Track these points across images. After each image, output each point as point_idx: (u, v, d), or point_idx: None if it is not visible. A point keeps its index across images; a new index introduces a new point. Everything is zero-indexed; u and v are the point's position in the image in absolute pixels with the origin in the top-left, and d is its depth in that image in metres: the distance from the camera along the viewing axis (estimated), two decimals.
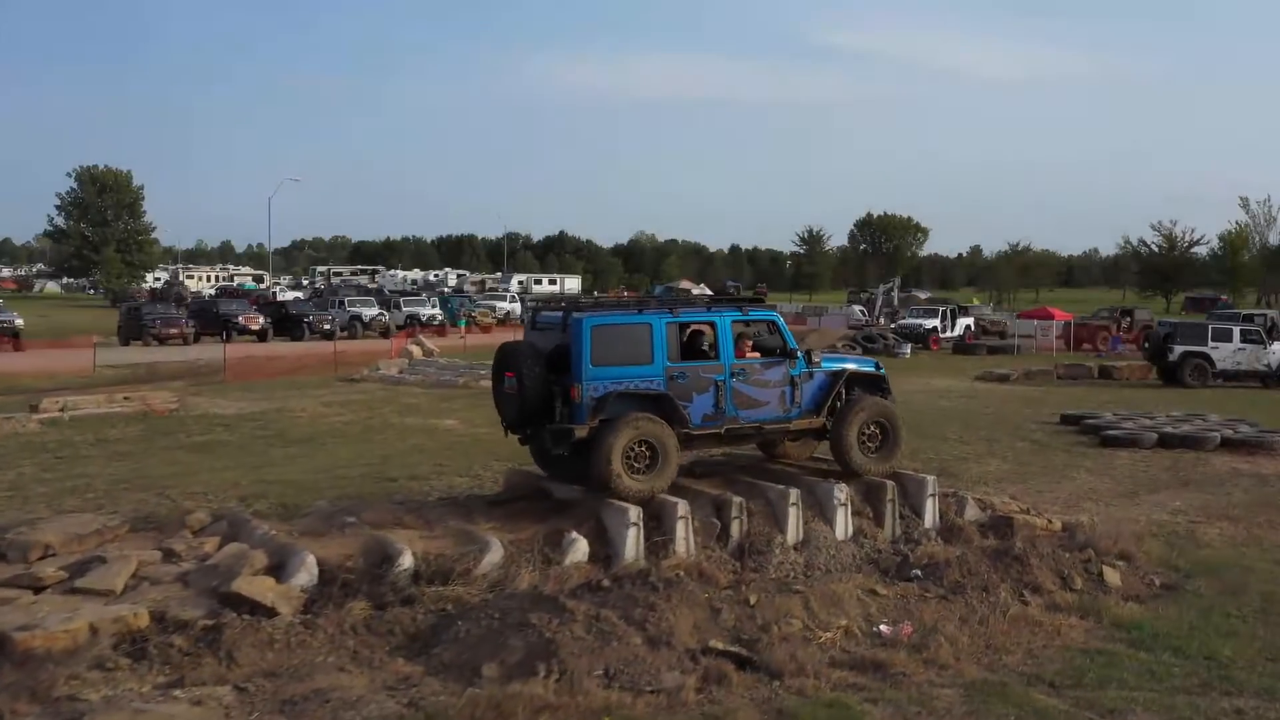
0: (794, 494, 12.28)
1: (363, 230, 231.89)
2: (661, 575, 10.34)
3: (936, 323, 49.57)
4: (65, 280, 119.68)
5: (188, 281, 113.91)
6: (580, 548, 11.37)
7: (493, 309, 65.62)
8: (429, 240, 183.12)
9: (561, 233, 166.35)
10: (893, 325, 50.44)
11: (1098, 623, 10.52)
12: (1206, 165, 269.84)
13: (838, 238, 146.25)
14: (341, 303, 55.52)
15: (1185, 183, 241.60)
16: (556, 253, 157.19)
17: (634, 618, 9.56)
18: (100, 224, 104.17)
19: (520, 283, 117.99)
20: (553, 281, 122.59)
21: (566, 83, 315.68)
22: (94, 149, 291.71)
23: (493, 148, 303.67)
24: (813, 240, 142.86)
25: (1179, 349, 32.85)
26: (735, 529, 12.04)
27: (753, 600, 10.20)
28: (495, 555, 10.98)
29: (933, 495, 13.12)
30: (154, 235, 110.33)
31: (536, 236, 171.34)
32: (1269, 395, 31.44)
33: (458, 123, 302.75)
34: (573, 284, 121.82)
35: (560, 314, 12.52)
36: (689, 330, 12.83)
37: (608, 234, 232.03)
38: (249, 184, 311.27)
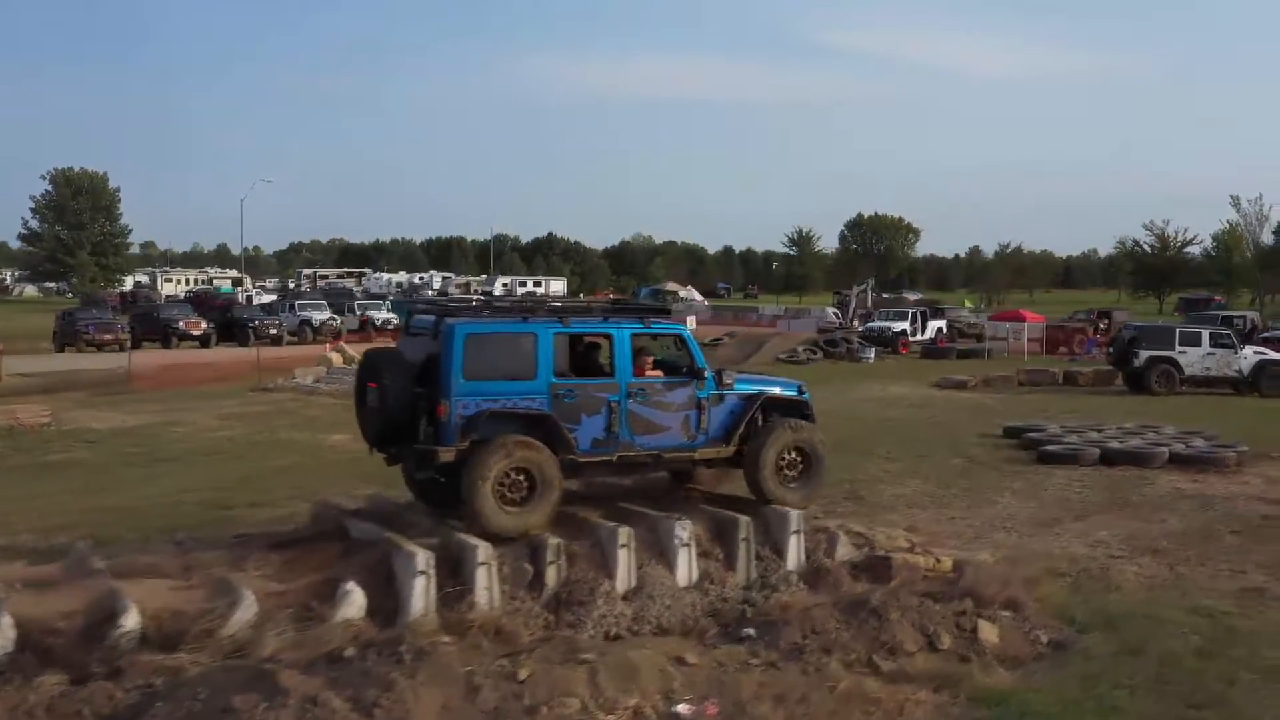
0: (624, 533, 10.50)
1: (361, 232, 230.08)
2: (414, 642, 8.53)
3: (906, 325, 47.59)
4: (46, 284, 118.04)
5: (165, 285, 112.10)
6: (354, 601, 9.55)
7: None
8: (418, 242, 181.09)
9: (550, 234, 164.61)
10: (860, 328, 48.55)
11: (953, 697, 8.71)
12: (1209, 165, 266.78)
13: (832, 238, 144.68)
14: (291, 306, 53.70)
15: (1187, 183, 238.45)
16: (544, 255, 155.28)
17: (364, 700, 7.78)
18: (75, 227, 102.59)
19: (505, 285, 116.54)
20: (537, 284, 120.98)
21: (561, 83, 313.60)
22: (84, 151, 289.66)
23: (486, 148, 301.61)
24: (803, 241, 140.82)
25: (1144, 354, 30.96)
26: (551, 576, 10.25)
27: (523, 675, 8.39)
28: (246, 612, 9.18)
29: (797, 532, 11.31)
30: (130, 238, 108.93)
31: (526, 238, 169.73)
32: (1239, 402, 29.58)
33: (452, 123, 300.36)
34: (558, 286, 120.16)
35: (433, 318, 10.99)
36: (584, 343, 11.36)
37: (603, 236, 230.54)
38: (246, 186, 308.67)
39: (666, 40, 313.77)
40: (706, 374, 11.48)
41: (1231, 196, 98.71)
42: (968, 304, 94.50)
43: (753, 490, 11.77)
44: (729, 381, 11.71)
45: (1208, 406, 28.16)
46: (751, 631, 9.69)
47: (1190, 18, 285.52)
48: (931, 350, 45.11)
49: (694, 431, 11.42)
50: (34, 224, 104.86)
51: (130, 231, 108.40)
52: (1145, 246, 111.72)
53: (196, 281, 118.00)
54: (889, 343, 45.80)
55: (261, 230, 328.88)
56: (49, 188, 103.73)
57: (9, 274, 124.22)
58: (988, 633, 9.89)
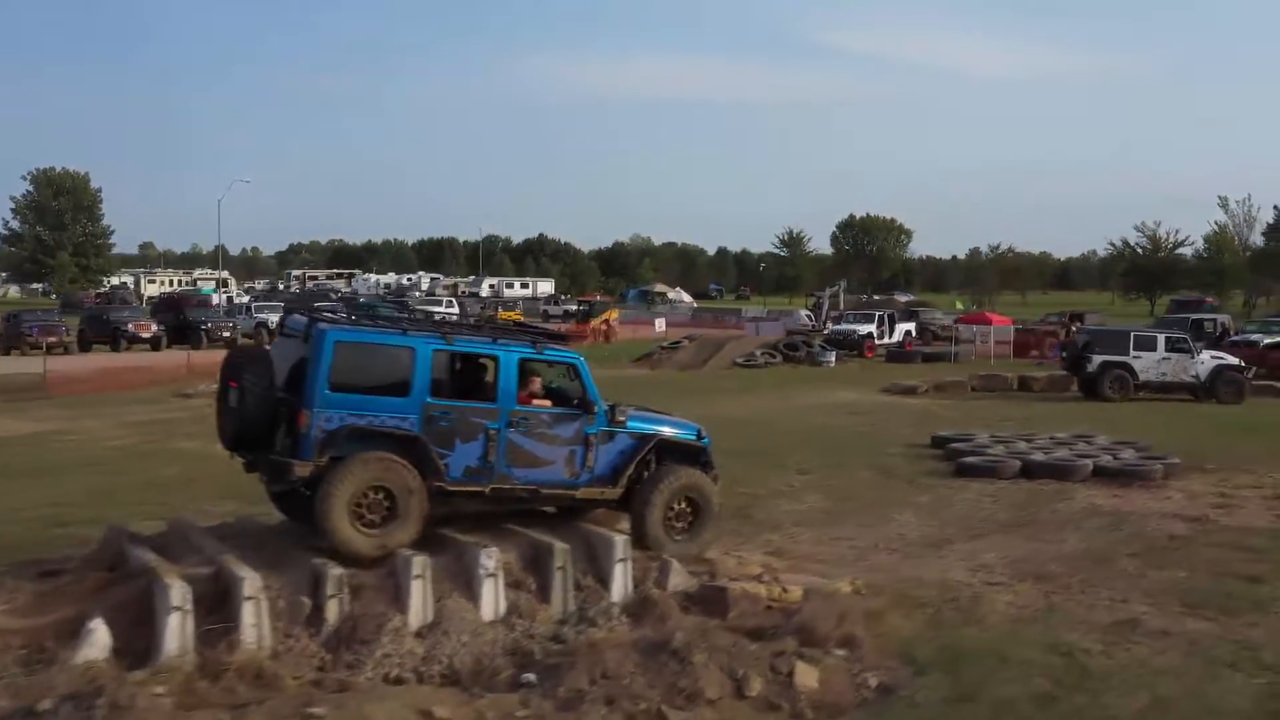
0: (419, 563, 9.54)
1: (361, 232, 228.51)
2: (116, 694, 7.56)
3: (872, 328, 46.44)
4: (32, 285, 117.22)
5: (149, 286, 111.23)
6: (97, 640, 8.66)
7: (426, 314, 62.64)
8: (410, 243, 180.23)
9: (541, 235, 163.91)
10: (825, 331, 47.49)
11: None
12: (1209, 165, 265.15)
13: (826, 239, 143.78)
14: (248, 308, 52.77)
15: (1187, 183, 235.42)
16: (535, 256, 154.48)
17: None
18: (56, 227, 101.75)
19: (492, 286, 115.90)
20: (524, 285, 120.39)
21: (560, 83, 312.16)
22: (81, 151, 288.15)
23: (485, 149, 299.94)
24: (793, 242, 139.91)
25: (1097, 359, 29.86)
26: (332, 610, 9.30)
27: None
28: None
29: (623, 560, 10.36)
30: (116, 239, 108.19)
31: (517, 239, 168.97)
32: (1194, 410, 28.43)
33: (452, 123, 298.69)
34: (545, 287, 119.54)
35: (306, 321, 10.21)
36: (471, 364, 10.67)
37: (599, 237, 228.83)
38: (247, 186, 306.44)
39: (666, 40, 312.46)
40: (598, 408, 10.76)
41: (1220, 197, 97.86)
42: (958, 305, 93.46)
43: (635, 538, 10.98)
44: (622, 419, 10.98)
45: (1160, 414, 27.10)
46: (532, 677, 8.70)
47: (1190, 18, 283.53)
48: (897, 354, 44.03)
49: (578, 469, 10.74)
50: (15, 224, 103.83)
51: (113, 232, 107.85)
52: (1137, 248, 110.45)
53: (180, 283, 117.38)
54: (855, 346, 44.70)
55: (262, 231, 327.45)
56: (30, 188, 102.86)
57: None
58: (806, 676, 8.90)
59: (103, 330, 45.08)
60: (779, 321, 55.98)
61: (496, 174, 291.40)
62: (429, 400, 10.02)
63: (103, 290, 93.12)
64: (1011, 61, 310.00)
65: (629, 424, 11.11)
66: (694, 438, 11.71)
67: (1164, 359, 29.90)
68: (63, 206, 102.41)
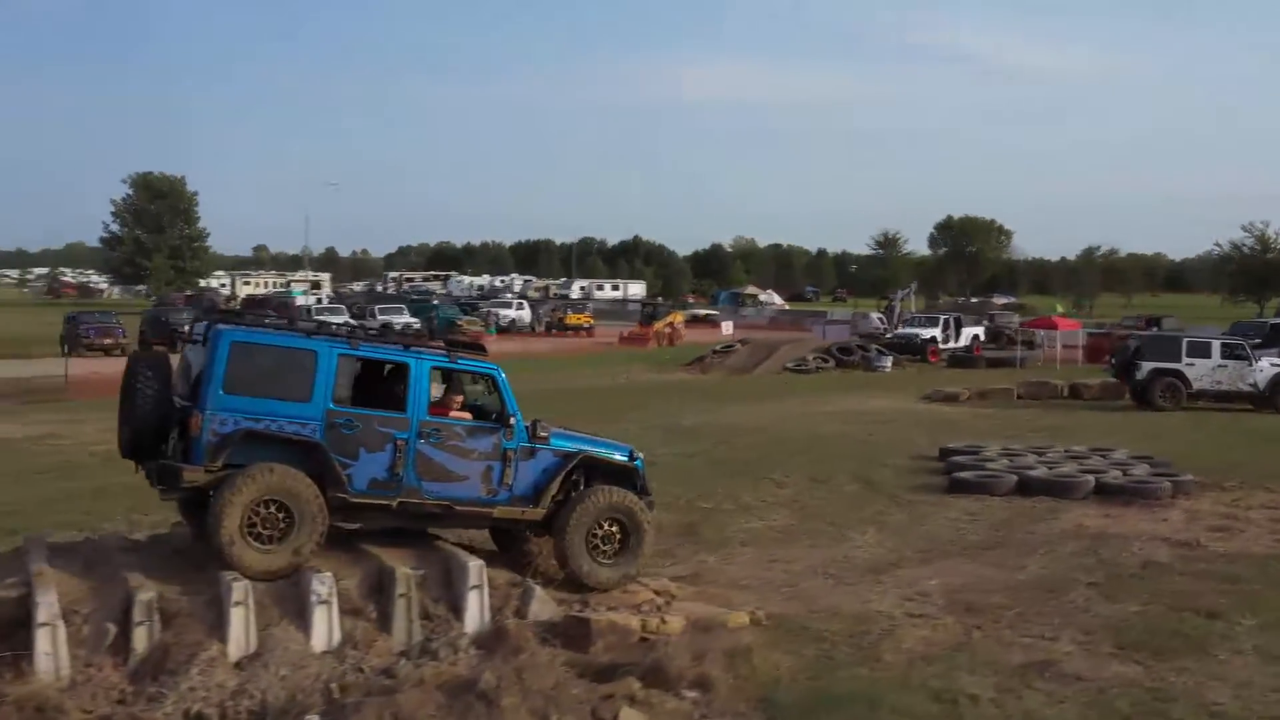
0: (240, 588, 8.90)
1: (462, 234, 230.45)
2: None
3: (936, 332, 44.80)
4: (137, 287, 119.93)
5: (244, 288, 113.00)
6: None
7: (494, 317, 62.39)
8: (507, 245, 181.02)
9: (636, 238, 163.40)
10: (888, 335, 46.01)
11: None
12: None
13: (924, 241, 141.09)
14: (307, 311, 52.97)
15: None
16: (628, 258, 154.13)
17: None
18: (154, 230, 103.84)
19: (582, 288, 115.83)
20: (615, 287, 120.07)
21: (669, 86, 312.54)
22: (218, 155, 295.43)
23: (601, 151, 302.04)
24: (888, 244, 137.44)
25: (1147, 366, 28.17)
26: (140, 638, 8.68)
27: None
28: None
29: (477, 588, 9.59)
30: (208, 241, 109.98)
31: (612, 241, 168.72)
32: (1249, 420, 26.44)
33: (564, 125, 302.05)
34: (636, 289, 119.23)
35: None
36: (380, 371, 10.17)
37: (696, 239, 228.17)
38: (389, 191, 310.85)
39: (761, 43, 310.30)
40: (516, 422, 10.22)
41: None
42: (1059, 309, 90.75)
43: (559, 563, 10.51)
44: (544, 435, 10.41)
45: (1210, 425, 25.44)
46: (314, 718, 7.95)
47: None
48: (961, 359, 42.47)
49: (495, 486, 10.20)
50: (114, 227, 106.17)
51: (208, 235, 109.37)
52: (1243, 248, 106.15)
53: (274, 285, 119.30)
54: (918, 350, 43.24)
55: (372, 233, 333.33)
56: (129, 191, 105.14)
57: (95, 276, 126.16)
58: None
59: (161, 332, 45.31)
60: (846, 325, 54.53)
61: (597, 176, 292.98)
62: (332, 406, 9.58)
63: (191, 292, 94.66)
64: (1144, 59, 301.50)
65: (551, 441, 10.54)
66: (625, 458, 11.09)
67: (1219, 366, 28.08)
68: (160, 210, 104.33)
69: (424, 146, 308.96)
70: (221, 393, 9.26)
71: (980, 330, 47.34)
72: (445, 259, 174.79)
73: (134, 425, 9.66)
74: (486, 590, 9.62)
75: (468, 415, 10.36)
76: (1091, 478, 16.85)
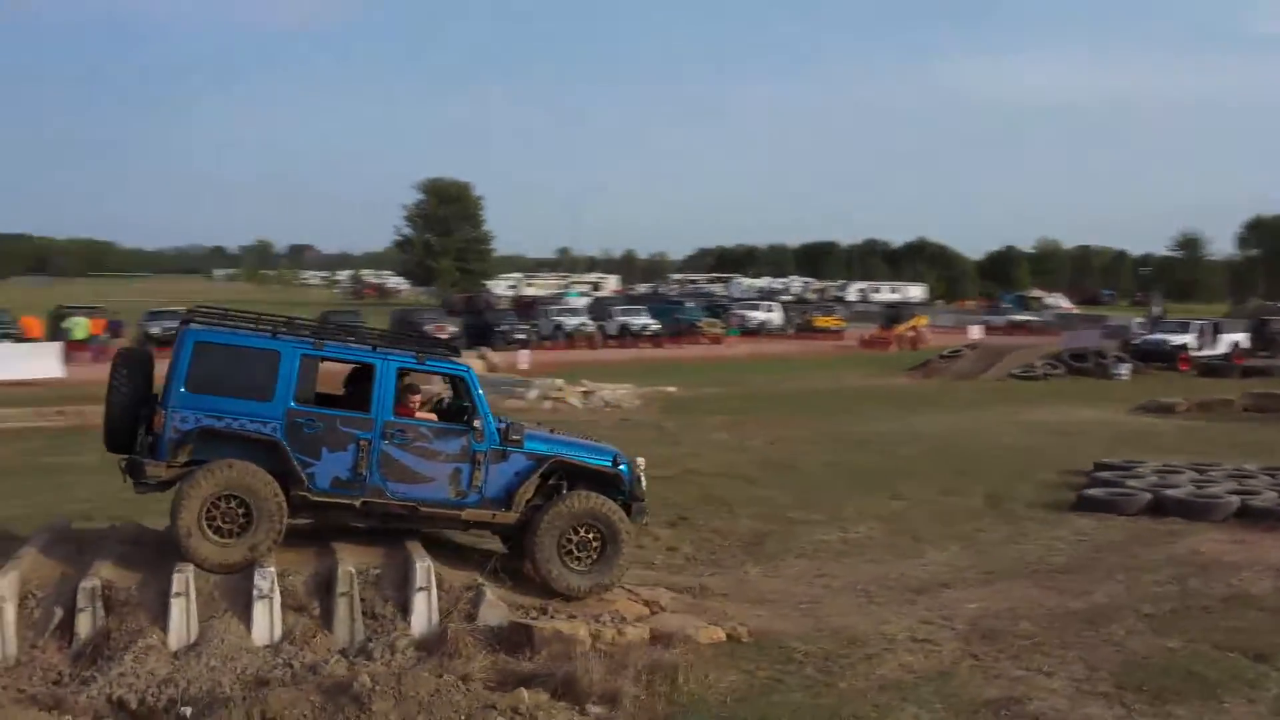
0: (181, 580, 9.21)
1: (749, 237, 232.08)
2: None
3: (1188, 339, 41.49)
4: (430, 287, 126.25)
5: (527, 289, 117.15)
6: None
7: (740, 318, 62.11)
8: (791, 248, 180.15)
9: (921, 239, 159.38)
10: (1134, 342, 42.97)
11: None
12: None
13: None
14: (545, 312, 54.34)
15: None
16: (911, 260, 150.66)
17: None
18: (443, 234, 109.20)
19: (861, 290, 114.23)
20: (894, 289, 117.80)
21: (962, 86, 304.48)
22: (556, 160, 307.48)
23: (899, 151, 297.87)
24: (1190, 245, 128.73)
25: None
26: (84, 623, 9.09)
27: None
28: None
29: (424, 590, 9.55)
30: (493, 244, 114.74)
31: (897, 243, 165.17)
32: None
33: (859, 128, 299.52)
34: (915, 292, 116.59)
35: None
36: (352, 370, 10.43)
37: (987, 242, 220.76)
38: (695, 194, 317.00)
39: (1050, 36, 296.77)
40: (486, 425, 10.20)
41: None
42: None
43: (532, 569, 10.39)
44: (517, 437, 10.34)
45: None
46: (187, 711, 8.11)
47: None
48: (1213, 367, 39.27)
49: (464, 488, 10.18)
50: (407, 231, 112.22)
51: (493, 238, 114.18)
52: None
53: (557, 286, 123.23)
54: (1166, 358, 40.29)
55: (676, 236, 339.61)
56: (421, 196, 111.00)
57: (394, 277, 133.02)
58: None
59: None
60: (1097, 329, 51.27)
61: (888, 178, 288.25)
62: (293, 406, 9.76)
63: (469, 293, 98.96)
64: None
65: (525, 444, 10.40)
66: (607, 464, 10.74)
67: None
68: (448, 214, 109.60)
69: (723, 147, 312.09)
70: (184, 390, 9.55)
71: (1241, 337, 43.50)
72: (730, 261, 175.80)
73: (108, 420, 10.06)
74: (434, 592, 9.55)
75: (432, 416, 10.35)
76: (1237, 499, 15.29)
